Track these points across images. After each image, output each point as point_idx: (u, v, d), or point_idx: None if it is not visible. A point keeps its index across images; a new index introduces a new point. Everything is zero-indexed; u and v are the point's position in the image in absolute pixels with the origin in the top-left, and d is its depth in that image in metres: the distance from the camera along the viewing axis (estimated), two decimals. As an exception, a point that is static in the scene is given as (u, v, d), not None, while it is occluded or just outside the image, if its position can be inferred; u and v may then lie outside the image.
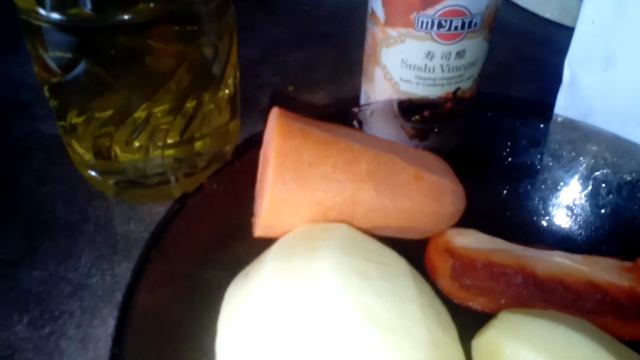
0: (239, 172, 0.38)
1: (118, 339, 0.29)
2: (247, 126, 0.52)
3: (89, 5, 0.34)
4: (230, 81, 0.44)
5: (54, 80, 0.39)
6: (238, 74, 0.46)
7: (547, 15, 0.69)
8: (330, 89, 0.56)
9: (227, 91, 0.44)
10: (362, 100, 0.47)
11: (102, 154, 0.42)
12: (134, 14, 0.35)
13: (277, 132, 0.32)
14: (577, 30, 0.41)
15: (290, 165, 0.32)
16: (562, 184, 0.41)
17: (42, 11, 0.35)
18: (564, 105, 0.42)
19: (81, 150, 0.43)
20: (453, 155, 0.41)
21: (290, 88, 0.56)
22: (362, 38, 0.59)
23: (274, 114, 0.34)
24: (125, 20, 0.35)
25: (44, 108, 0.54)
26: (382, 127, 0.43)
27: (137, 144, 0.42)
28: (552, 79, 0.45)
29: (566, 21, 0.67)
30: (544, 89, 0.47)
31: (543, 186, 0.42)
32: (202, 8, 0.38)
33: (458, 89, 0.43)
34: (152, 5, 0.35)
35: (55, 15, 0.35)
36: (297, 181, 0.32)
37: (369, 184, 0.34)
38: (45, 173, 0.49)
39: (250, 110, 0.53)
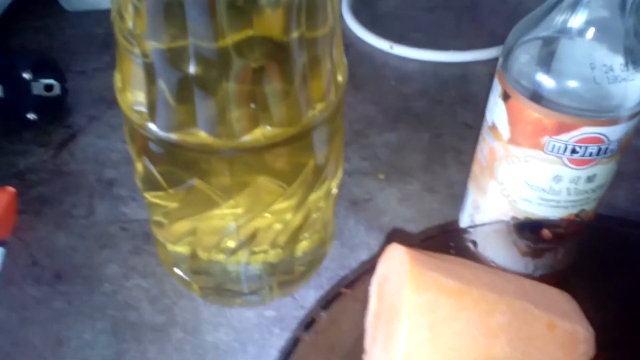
0: (349, 302, 0.35)
1: None
2: (338, 219, 0.49)
3: (206, 131, 0.32)
4: (338, 178, 0.42)
5: (160, 193, 0.37)
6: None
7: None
8: (423, 180, 0.53)
9: (335, 190, 0.42)
10: (468, 208, 0.44)
11: (193, 257, 0.41)
12: (252, 140, 0.33)
13: (410, 284, 0.29)
14: None
15: (424, 323, 0.29)
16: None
17: (154, 129, 0.33)
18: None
19: (172, 249, 0.41)
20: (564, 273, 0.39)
21: (381, 176, 0.53)
22: (454, 121, 0.57)
23: (401, 255, 0.31)
24: (243, 145, 0.33)
25: (127, 188, 0.52)
26: (494, 244, 0.40)
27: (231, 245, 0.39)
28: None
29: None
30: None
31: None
32: (320, 124, 0.35)
33: (582, 210, 0.39)
34: (270, 129, 0.33)
35: (169, 136, 0.33)
36: (430, 340, 0.29)
37: (503, 339, 0.31)
38: (130, 265, 0.47)
39: (340, 199, 0.50)
